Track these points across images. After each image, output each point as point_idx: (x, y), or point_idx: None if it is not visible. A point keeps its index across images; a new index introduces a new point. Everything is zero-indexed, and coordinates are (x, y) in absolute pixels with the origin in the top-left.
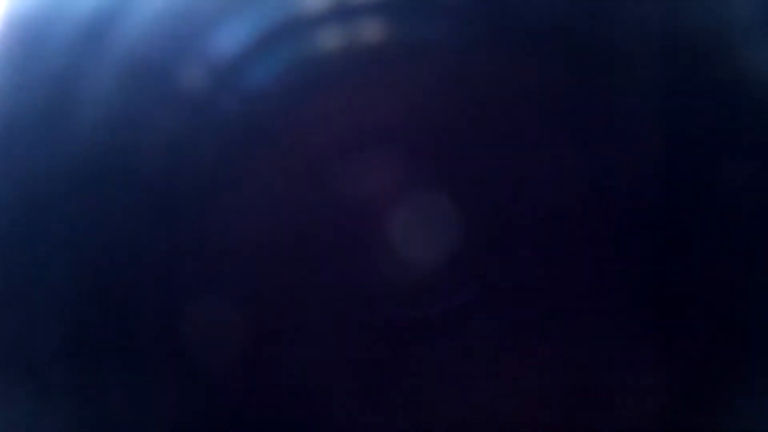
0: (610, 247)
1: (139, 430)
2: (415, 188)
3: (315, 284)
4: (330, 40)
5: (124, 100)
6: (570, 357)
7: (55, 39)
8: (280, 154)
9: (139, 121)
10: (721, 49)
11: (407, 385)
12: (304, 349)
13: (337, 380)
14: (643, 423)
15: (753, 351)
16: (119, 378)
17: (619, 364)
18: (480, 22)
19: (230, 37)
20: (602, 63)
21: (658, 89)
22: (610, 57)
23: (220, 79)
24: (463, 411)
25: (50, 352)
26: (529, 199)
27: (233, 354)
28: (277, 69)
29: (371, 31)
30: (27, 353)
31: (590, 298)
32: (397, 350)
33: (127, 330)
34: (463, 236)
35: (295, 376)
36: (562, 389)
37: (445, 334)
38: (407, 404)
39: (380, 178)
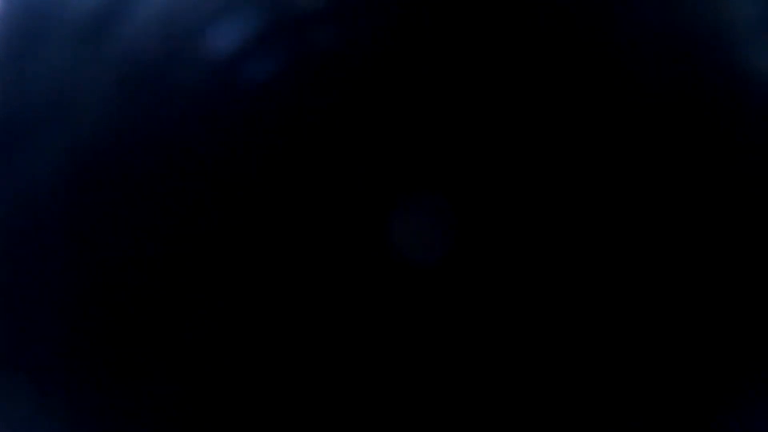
0: (609, 246)
1: (138, 430)
2: (410, 184)
3: (315, 281)
4: (327, 39)
5: (123, 98)
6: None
7: (54, 35)
8: (278, 152)
9: (138, 120)
10: (721, 49)
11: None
12: (302, 345)
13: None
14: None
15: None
16: (119, 378)
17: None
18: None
19: (228, 36)
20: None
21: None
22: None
23: (218, 78)
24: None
25: (50, 352)
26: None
27: (232, 353)
28: (275, 67)
29: (368, 29)
30: (27, 353)
31: (591, 294)
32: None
33: (127, 329)
34: (459, 233)
35: (295, 370)
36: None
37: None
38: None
39: (376, 173)
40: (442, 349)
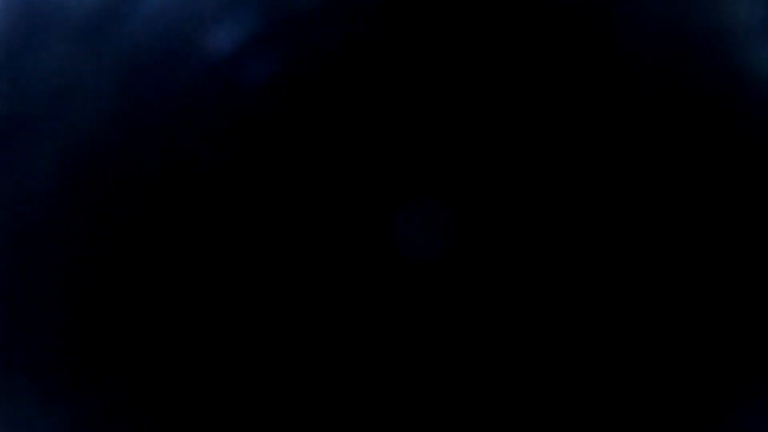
0: (610, 245)
1: (138, 430)
2: (411, 184)
3: (315, 279)
4: (328, 39)
5: (123, 97)
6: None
7: (54, 34)
8: (279, 152)
9: (137, 119)
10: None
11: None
12: (303, 343)
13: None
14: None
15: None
16: (119, 378)
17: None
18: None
19: (228, 35)
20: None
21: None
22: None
23: (218, 77)
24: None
25: (50, 352)
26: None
27: (233, 353)
28: (277, 67)
29: (369, 29)
30: (27, 353)
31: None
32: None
33: (128, 329)
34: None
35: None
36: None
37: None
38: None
39: (377, 172)
40: (442, 347)
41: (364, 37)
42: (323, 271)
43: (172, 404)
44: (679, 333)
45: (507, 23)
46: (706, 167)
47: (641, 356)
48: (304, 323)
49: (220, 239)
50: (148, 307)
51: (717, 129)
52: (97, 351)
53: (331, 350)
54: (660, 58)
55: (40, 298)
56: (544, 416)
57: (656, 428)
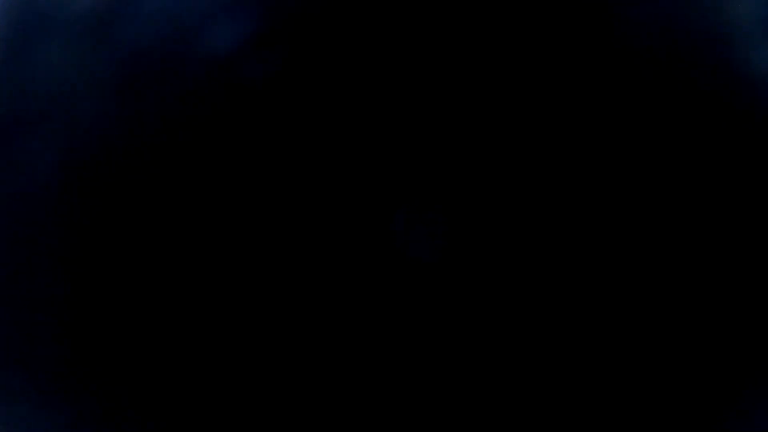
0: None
1: (138, 430)
2: (410, 183)
3: (314, 275)
4: (328, 35)
5: (122, 96)
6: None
7: (54, 34)
8: (279, 146)
9: (136, 118)
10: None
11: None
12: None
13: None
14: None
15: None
16: (119, 378)
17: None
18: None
19: (227, 35)
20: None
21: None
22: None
23: (217, 77)
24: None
25: (50, 352)
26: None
27: (235, 351)
28: (279, 67)
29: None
30: (27, 353)
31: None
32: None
33: (127, 329)
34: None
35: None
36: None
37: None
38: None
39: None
40: (442, 345)
41: (364, 37)
42: (321, 271)
43: (171, 404)
44: (678, 332)
45: (507, 24)
46: (705, 168)
47: (642, 356)
48: (302, 324)
49: (219, 239)
50: (148, 307)
51: (717, 129)
52: (97, 351)
53: (329, 349)
54: (660, 57)
55: (39, 299)
56: (544, 417)
57: (657, 428)
